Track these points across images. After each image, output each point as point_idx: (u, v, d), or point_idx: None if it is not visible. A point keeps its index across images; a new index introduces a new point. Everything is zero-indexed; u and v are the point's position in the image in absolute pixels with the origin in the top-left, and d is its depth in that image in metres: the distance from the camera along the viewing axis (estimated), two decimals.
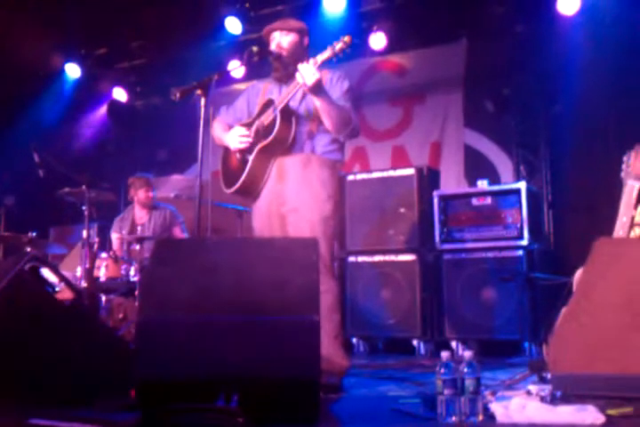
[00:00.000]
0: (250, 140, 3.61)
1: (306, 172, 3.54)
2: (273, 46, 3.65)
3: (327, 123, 3.48)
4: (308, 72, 3.31)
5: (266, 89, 3.79)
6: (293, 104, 3.59)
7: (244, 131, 3.64)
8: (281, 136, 3.50)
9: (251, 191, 3.68)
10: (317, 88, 3.36)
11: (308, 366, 2.44)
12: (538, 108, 6.04)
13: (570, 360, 2.77)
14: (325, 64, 3.44)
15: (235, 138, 3.65)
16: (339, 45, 3.36)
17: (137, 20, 6.85)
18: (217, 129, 3.82)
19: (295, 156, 3.56)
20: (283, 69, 3.60)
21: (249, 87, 3.96)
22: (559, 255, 5.52)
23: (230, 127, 3.80)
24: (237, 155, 3.69)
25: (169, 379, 2.41)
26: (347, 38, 3.37)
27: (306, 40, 3.71)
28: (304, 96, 3.54)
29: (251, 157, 3.59)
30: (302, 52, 3.64)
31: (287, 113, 3.53)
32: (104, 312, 4.95)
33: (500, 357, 4.77)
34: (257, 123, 3.65)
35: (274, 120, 3.51)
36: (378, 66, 7.00)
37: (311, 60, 3.37)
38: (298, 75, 3.36)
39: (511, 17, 6.02)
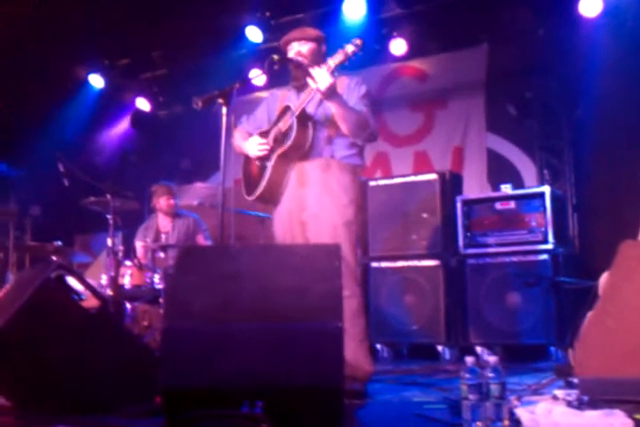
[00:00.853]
0: (268, 147, 3.63)
1: (326, 176, 3.55)
2: (292, 55, 3.66)
3: (343, 127, 3.49)
4: (321, 77, 3.32)
5: (284, 96, 3.81)
6: (311, 110, 3.60)
7: (262, 139, 3.67)
8: (298, 142, 3.51)
9: (272, 198, 3.69)
10: (331, 92, 3.36)
11: (331, 372, 2.43)
12: (561, 111, 5.99)
13: (596, 364, 2.74)
14: (342, 69, 3.43)
15: (253, 145, 3.67)
16: (350, 48, 3.34)
17: (158, 31, 6.90)
18: (237, 138, 3.86)
19: (314, 161, 3.58)
20: (303, 77, 3.59)
21: (268, 96, 4.00)
22: (584, 259, 5.47)
23: (250, 136, 3.82)
24: (257, 162, 3.72)
25: (193, 386, 2.41)
26: (358, 41, 3.35)
27: (324, 48, 3.73)
28: (321, 102, 3.54)
29: (270, 164, 3.61)
30: (321, 59, 3.64)
31: (304, 118, 3.54)
32: (129, 320, 4.97)
33: (526, 362, 4.72)
34: (275, 130, 3.67)
35: (291, 126, 3.53)
36: (398, 71, 6.99)
37: (324, 66, 3.37)
38: (310, 80, 3.37)
39: (532, 20, 5.98)
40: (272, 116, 3.82)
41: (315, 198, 3.54)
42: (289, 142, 3.51)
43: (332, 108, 3.45)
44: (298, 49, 3.66)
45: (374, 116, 3.63)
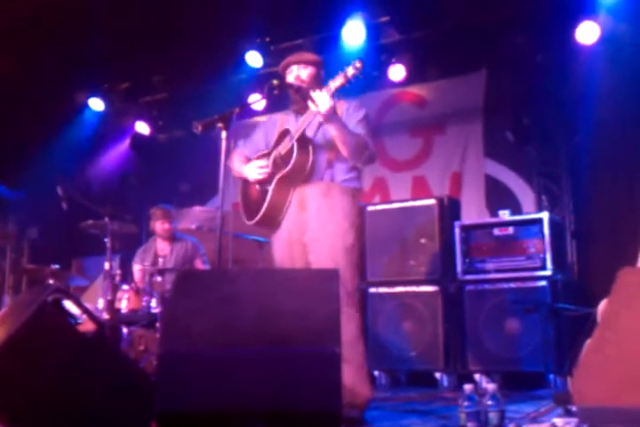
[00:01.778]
0: (268, 170, 3.64)
1: (327, 200, 3.55)
2: (291, 79, 3.69)
3: (343, 150, 3.50)
4: (321, 99, 3.35)
5: (283, 120, 3.83)
6: (310, 133, 3.62)
7: (262, 162, 3.68)
8: (299, 165, 3.52)
9: (272, 222, 3.69)
10: (331, 115, 3.39)
11: (329, 398, 2.41)
12: (559, 137, 6.02)
13: (595, 392, 2.71)
14: (342, 94, 3.46)
15: (253, 169, 3.68)
16: (351, 71, 3.34)
17: (159, 55, 6.96)
18: (235, 161, 3.86)
19: (315, 184, 3.58)
20: (302, 101, 3.61)
21: (266, 120, 4.02)
22: (583, 285, 5.45)
23: (248, 159, 3.83)
24: (257, 186, 3.72)
25: (190, 411, 2.39)
26: (358, 64, 3.34)
27: (322, 72, 3.76)
28: (320, 125, 3.57)
29: (270, 188, 3.61)
30: (319, 83, 3.67)
31: (304, 142, 3.55)
32: (125, 344, 4.94)
33: (525, 389, 4.69)
34: (274, 153, 3.68)
35: (291, 149, 3.54)
36: (397, 97, 7.04)
37: (324, 88, 3.41)
38: (310, 103, 3.39)
39: (530, 47, 6.03)
40: (270, 140, 3.83)
41: (316, 223, 3.54)
42: (289, 166, 3.51)
43: (331, 131, 3.47)
44: (297, 73, 3.69)
45: (373, 139, 3.65)
